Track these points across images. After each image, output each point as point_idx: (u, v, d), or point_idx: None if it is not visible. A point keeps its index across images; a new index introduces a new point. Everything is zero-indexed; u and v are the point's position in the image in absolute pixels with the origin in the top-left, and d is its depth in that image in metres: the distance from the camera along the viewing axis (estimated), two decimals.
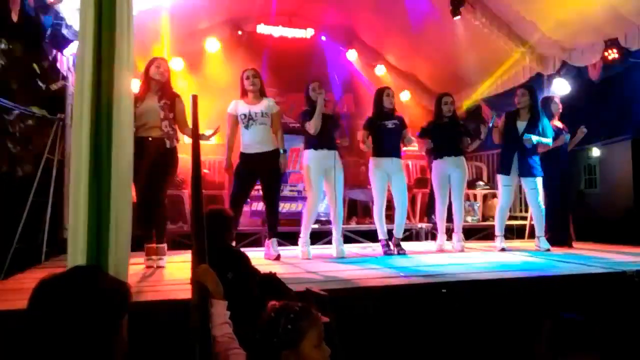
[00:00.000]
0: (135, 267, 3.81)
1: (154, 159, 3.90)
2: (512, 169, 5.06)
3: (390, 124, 4.80)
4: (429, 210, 6.60)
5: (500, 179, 5.21)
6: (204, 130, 3.78)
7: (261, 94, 4.53)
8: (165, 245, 4.09)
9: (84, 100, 1.52)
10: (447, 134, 5.05)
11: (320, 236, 5.70)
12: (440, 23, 6.43)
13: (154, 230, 4.05)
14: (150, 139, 3.95)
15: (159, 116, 3.96)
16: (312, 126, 4.47)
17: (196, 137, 2.18)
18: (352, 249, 5.29)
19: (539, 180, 5.02)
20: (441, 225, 5.23)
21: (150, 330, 2.29)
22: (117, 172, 1.53)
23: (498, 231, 5.21)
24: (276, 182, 4.52)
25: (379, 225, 4.85)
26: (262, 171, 4.42)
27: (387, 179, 4.80)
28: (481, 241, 6.04)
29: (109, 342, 1.08)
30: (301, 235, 4.62)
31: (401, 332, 2.81)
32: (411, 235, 6.52)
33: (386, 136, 4.77)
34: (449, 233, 5.28)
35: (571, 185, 5.51)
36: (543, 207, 5.07)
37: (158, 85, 4.07)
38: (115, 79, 1.54)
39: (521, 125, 5.06)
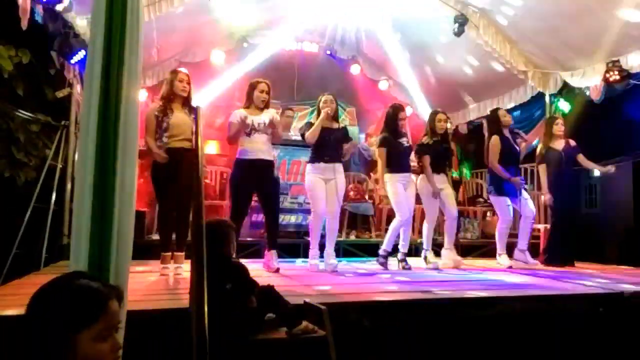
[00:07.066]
0: (146, 275, 3.85)
1: (184, 170, 3.91)
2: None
3: (405, 142, 4.92)
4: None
5: (501, 200, 5.13)
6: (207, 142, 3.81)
7: (265, 106, 4.51)
8: (183, 254, 4.11)
9: (92, 109, 1.55)
10: (437, 152, 5.05)
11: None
12: (444, 41, 6.50)
13: (176, 239, 4.09)
14: (182, 150, 4.01)
15: (191, 129, 4.00)
16: (307, 137, 4.54)
17: (198, 147, 2.21)
18: (351, 263, 5.29)
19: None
20: (428, 239, 5.13)
21: (149, 338, 2.29)
22: (122, 180, 1.55)
23: (502, 249, 5.20)
24: (274, 192, 4.49)
25: (391, 237, 4.83)
26: (259, 180, 4.34)
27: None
28: (481, 258, 6.01)
29: (64, 340, 1.10)
30: (311, 247, 4.61)
31: (398, 347, 2.80)
32: (411, 250, 6.47)
33: (403, 154, 4.87)
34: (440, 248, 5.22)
35: (576, 204, 5.48)
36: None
37: (183, 99, 4.14)
38: (123, 89, 1.57)
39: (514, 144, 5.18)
